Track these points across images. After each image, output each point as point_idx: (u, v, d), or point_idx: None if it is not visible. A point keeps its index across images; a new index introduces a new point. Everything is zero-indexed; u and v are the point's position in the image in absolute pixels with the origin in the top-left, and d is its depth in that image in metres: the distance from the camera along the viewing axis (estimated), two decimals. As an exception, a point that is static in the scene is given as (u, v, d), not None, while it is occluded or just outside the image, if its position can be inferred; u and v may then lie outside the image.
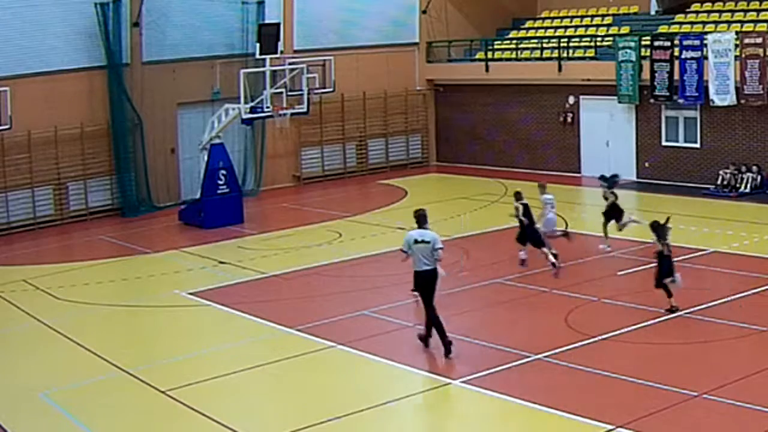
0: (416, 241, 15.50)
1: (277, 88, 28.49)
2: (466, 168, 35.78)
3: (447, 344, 15.31)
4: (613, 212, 21.79)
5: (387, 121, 36.83)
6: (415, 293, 16.56)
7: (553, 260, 19.95)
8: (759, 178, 28.23)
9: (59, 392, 14.83)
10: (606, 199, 22.02)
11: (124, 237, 27.35)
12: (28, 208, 28.91)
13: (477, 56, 36.54)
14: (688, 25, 31.41)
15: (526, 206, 20.48)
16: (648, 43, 30.41)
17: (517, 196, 20.76)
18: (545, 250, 20.20)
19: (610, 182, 22.08)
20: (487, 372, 14.47)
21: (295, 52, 32.95)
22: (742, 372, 13.80)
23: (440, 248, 15.48)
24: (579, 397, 13.45)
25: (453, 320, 17.41)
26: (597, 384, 13.96)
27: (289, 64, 29.20)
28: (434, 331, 15.59)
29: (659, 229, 17.23)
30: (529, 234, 20.48)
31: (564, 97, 33.49)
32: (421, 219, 15.90)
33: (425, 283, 15.60)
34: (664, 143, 31.02)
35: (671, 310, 16.70)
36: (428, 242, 15.43)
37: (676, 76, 29.53)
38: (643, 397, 13.14)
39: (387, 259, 22.37)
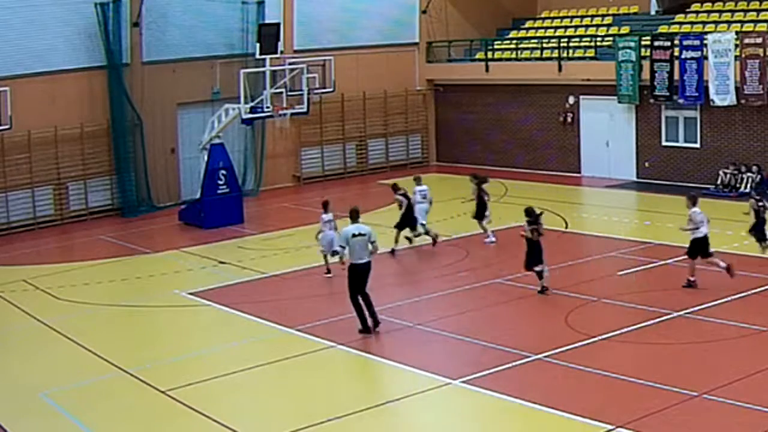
0: (354, 235, 16.63)
1: (277, 88, 28.49)
2: (466, 168, 35.72)
3: (375, 322, 16.73)
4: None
5: (387, 121, 36.83)
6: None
7: (405, 244, 22.81)
8: (759, 178, 28.23)
9: (59, 392, 14.83)
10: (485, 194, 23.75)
11: (124, 237, 27.35)
12: (28, 208, 28.91)
13: (477, 56, 36.55)
14: (688, 25, 31.41)
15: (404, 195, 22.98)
16: (648, 43, 30.41)
17: (394, 187, 23.36)
18: (409, 234, 23.02)
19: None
20: (487, 372, 14.47)
21: (295, 52, 32.96)
22: (742, 372, 13.80)
23: (375, 240, 16.79)
24: (579, 397, 13.46)
25: (453, 320, 17.46)
26: (597, 384, 13.96)
27: (289, 64, 29.20)
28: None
29: (533, 215, 18.72)
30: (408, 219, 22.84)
31: (564, 97, 33.48)
32: (353, 214, 17.16)
33: (362, 274, 16.69)
34: (664, 143, 31.02)
35: (542, 291, 18.53)
36: (364, 235, 16.67)
37: (676, 76, 29.53)
38: (643, 397, 13.15)
39: (387, 260, 22.37)
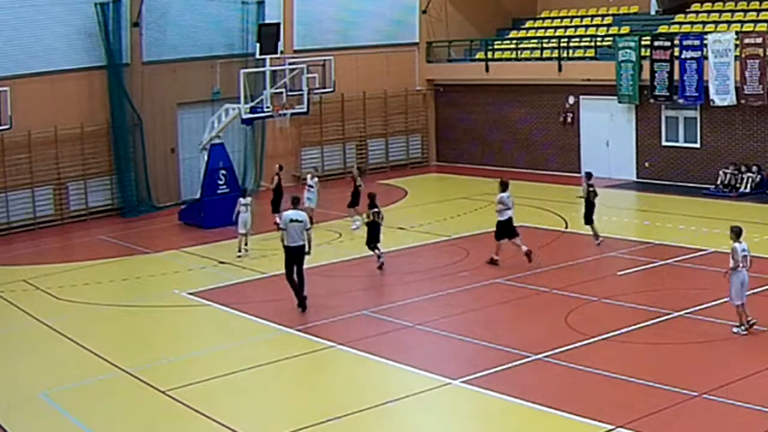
0: (291, 220, 18.25)
1: (277, 88, 28.48)
2: (466, 168, 35.78)
3: (303, 300, 18.43)
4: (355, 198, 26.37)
5: (387, 121, 36.83)
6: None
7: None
8: (759, 178, 28.23)
9: (59, 392, 14.83)
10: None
11: (124, 237, 27.35)
12: (28, 208, 28.91)
13: (477, 56, 36.55)
14: (688, 25, 31.41)
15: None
16: (648, 43, 30.41)
17: (280, 167, 27.61)
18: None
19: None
20: (487, 372, 14.48)
21: (295, 52, 32.96)
22: (742, 372, 13.81)
23: (309, 228, 18.54)
24: (579, 397, 13.46)
25: (453, 320, 17.46)
26: (597, 384, 13.96)
27: (289, 64, 29.19)
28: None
29: (374, 199, 21.61)
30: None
31: (564, 97, 33.48)
32: (294, 201, 18.97)
33: (296, 255, 18.34)
34: (664, 143, 31.02)
35: (381, 267, 21.20)
36: (301, 221, 18.29)
37: (676, 76, 29.53)
38: (643, 397, 13.15)
39: (386, 259, 22.38)
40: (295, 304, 18.50)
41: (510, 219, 20.90)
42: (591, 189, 22.59)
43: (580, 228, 24.42)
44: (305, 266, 18.60)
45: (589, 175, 23.22)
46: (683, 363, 14.62)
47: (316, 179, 27.05)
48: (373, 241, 21.55)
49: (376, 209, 21.58)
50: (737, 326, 15.63)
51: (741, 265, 15.48)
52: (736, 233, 15.70)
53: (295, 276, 18.50)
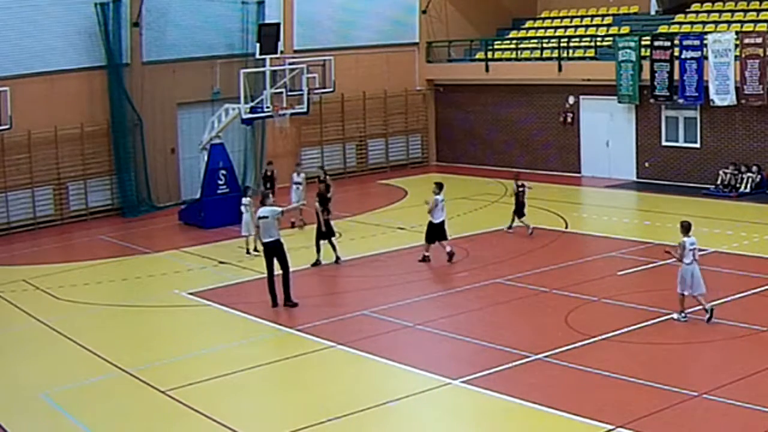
0: (259, 218, 18.85)
1: (277, 88, 28.48)
2: (466, 168, 35.77)
3: (288, 298, 18.65)
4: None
5: (387, 121, 36.83)
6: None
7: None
8: (759, 178, 28.23)
9: (59, 392, 14.83)
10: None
11: (124, 237, 27.34)
12: (28, 208, 28.91)
13: (477, 56, 36.55)
14: (688, 25, 31.41)
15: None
16: (648, 43, 30.41)
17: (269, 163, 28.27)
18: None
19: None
20: (487, 372, 14.48)
21: (295, 52, 32.96)
22: (742, 372, 13.81)
23: (278, 216, 18.99)
24: (579, 397, 13.46)
25: (453, 320, 17.46)
26: (597, 384, 13.96)
27: (289, 64, 29.19)
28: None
29: (323, 198, 22.48)
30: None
31: (564, 97, 33.48)
32: (263, 199, 19.45)
33: (274, 250, 18.72)
34: (664, 143, 31.02)
35: (337, 261, 22.02)
36: (266, 217, 18.68)
37: (676, 76, 29.53)
38: (643, 397, 13.15)
39: (387, 259, 22.39)
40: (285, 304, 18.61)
41: (442, 222, 21.44)
42: (521, 189, 23.66)
43: (580, 228, 24.48)
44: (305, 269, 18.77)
45: (517, 175, 24.42)
46: (683, 363, 14.63)
47: (303, 175, 27.19)
48: (324, 237, 22.12)
49: (324, 207, 22.28)
50: (678, 313, 16.38)
51: (691, 258, 16.14)
52: (686, 228, 16.47)
53: (275, 275, 18.64)
